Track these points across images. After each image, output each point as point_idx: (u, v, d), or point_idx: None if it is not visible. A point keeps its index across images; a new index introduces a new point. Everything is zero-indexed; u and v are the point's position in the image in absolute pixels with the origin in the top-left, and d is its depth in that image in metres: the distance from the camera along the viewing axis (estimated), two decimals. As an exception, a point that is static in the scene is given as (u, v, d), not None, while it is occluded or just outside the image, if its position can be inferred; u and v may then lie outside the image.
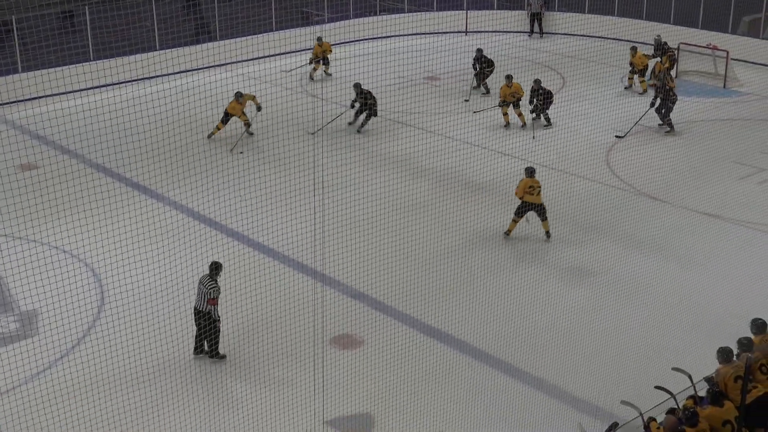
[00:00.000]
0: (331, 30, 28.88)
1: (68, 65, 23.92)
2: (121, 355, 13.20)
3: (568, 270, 16.14)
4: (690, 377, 11.21)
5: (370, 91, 22.52)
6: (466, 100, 25.09)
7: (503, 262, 16.27)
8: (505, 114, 23.16)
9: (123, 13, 28.23)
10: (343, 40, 28.43)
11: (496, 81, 24.85)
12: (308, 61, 27.27)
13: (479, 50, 25.89)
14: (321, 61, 27.17)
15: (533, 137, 22.04)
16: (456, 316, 14.42)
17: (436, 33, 31.01)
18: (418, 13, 32.60)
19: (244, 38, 27.56)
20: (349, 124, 23.18)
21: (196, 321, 13.41)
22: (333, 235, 15.91)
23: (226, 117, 21.71)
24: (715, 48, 27.28)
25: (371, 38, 29.87)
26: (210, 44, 27.24)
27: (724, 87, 26.77)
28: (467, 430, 12.13)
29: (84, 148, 18.79)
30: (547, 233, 17.17)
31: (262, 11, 29.42)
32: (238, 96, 21.54)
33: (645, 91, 25.77)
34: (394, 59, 27.89)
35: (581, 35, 30.69)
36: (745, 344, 11.21)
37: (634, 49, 26.14)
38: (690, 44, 27.52)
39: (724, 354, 11.11)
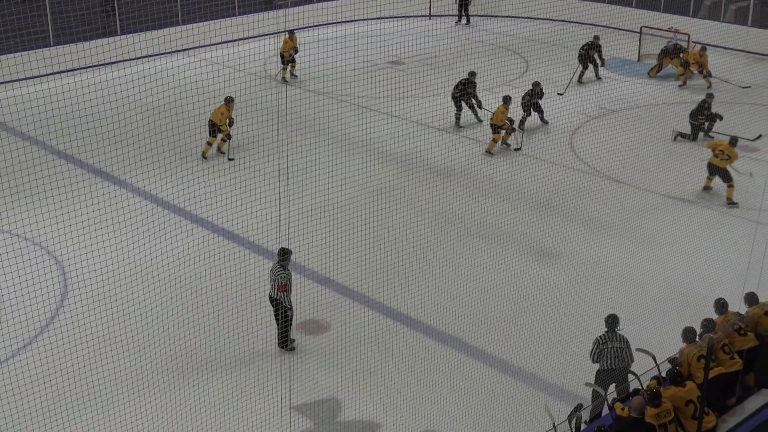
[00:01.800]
0: (295, 14, 28.71)
1: (27, 51, 23.60)
2: (85, 343, 13.09)
3: (534, 253, 16.22)
4: (654, 358, 11.34)
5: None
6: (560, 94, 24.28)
7: (469, 246, 16.32)
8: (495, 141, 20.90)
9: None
10: (307, 25, 28.28)
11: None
12: (283, 62, 25.86)
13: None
14: (290, 61, 25.86)
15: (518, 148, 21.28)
16: (422, 300, 14.44)
17: (400, 17, 30.95)
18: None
19: (207, 23, 27.33)
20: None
21: (273, 309, 13.33)
22: (299, 221, 15.86)
23: (213, 128, 20.17)
24: (676, 31, 27.45)
25: (335, 22, 29.74)
26: (172, 29, 26.98)
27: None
28: (434, 414, 12.17)
29: (44, 134, 18.62)
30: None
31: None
32: (228, 101, 20.25)
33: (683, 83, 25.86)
34: (358, 43, 27.82)
35: (545, 19, 30.79)
36: (707, 325, 11.35)
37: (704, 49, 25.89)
38: (652, 27, 27.68)
39: (687, 334, 11.25)
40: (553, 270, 15.67)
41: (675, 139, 21.31)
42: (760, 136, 20.95)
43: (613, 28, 27.70)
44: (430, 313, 14.20)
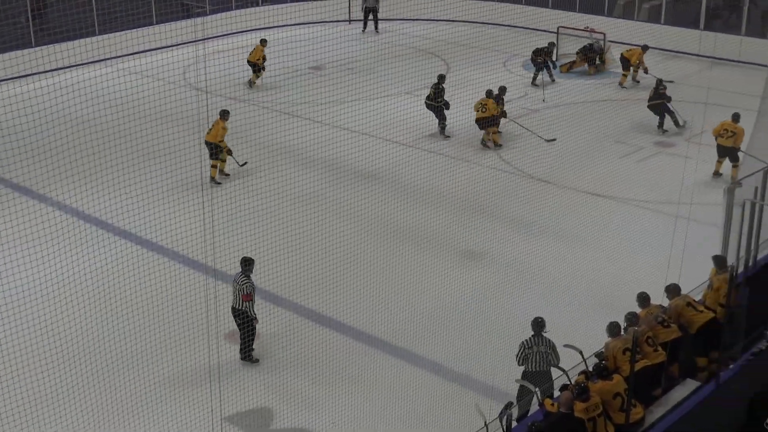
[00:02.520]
0: (213, 22, 28.48)
1: (-61, 65, 23.01)
2: (11, 360, 12.80)
3: (460, 254, 16.34)
4: (581, 353, 11.49)
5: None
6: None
7: (396, 249, 16.37)
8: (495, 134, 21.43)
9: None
10: (225, 32, 28.08)
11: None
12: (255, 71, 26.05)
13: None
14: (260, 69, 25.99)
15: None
16: (350, 304, 14.44)
17: (319, 22, 30.92)
18: (302, 3, 32.43)
19: (124, 32, 26.97)
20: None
21: (235, 321, 13.24)
22: (223, 230, 15.72)
23: (212, 149, 19.72)
24: (592, 31, 27.94)
25: (254, 29, 29.57)
26: (89, 39, 26.55)
27: (603, 68, 27.44)
28: (366, 417, 12.18)
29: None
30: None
31: (142, 4, 28.84)
32: (224, 114, 20.00)
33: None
34: (278, 50, 27.70)
35: (462, 21, 31.04)
36: (631, 319, 11.55)
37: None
38: (568, 27, 28.11)
39: (612, 328, 11.43)
40: (480, 270, 15.80)
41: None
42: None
43: (530, 28, 28.06)
44: (360, 317, 14.21)
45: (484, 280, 15.46)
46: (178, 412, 12.06)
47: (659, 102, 21.98)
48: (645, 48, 25.85)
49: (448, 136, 22.09)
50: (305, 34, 29.94)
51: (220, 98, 23.49)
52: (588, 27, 28.07)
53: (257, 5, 32.39)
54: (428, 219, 17.35)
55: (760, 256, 12.73)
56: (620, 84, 25.97)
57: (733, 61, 27.06)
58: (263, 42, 26.02)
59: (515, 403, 10.96)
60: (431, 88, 22.33)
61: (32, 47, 25.57)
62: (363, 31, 32.17)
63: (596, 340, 11.78)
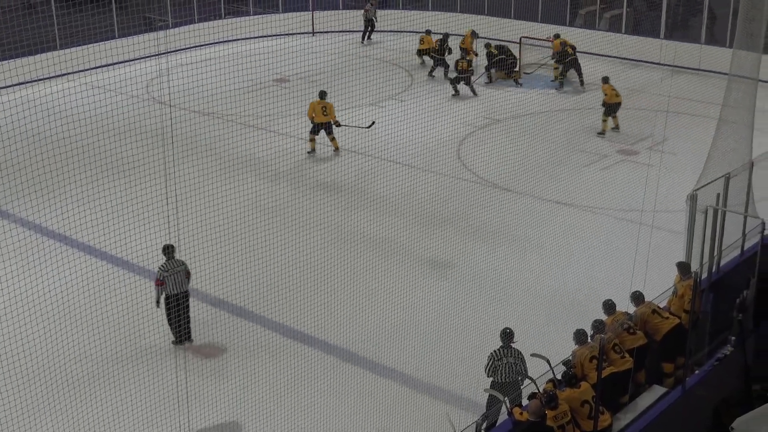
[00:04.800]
0: (176, 35, 28.38)
1: None
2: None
3: (426, 264, 16.36)
4: (548, 361, 11.52)
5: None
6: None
7: (361, 260, 16.35)
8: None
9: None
10: (188, 45, 27.99)
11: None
12: None
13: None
14: None
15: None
16: (318, 317, 14.41)
17: (282, 35, 30.88)
18: (264, 15, 32.43)
19: (86, 46, 26.76)
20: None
21: (176, 308, 13.61)
22: (188, 243, 15.63)
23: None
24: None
25: (217, 42, 29.50)
26: (50, 53, 26.33)
27: (565, 78, 27.62)
28: (335, 430, 12.14)
29: None
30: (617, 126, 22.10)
31: (103, 18, 28.64)
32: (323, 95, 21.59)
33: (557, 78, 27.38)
34: (241, 62, 27.62)
35: (426, 32, 31.16)
36: (597, 326, 11.61)
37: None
38: (531, 38, 28.30)
39: (579, 336, 11.49)
40: (446, 280, 15.84)
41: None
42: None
43: (493, 39, 28.13)
44: (327, 329, 14.18)
45: (450, 289, 15.49)
46: (145, 428, 11.95)
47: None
48: (474, 35, 27.86)
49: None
50: (269, 46, 29.97)
51: (184, 111, 23.36)
52: (550, 37, 28.25)
53: (220, 18, 32.30)
54: (393, 229, 17.36)
55: (723, 262, 12.86)
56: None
57: (694, 69, 27.37)
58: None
59: (484, 414, 10.99)
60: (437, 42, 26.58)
61: (-8, 62, 25.29)
62: (362, 41, 32.32)
63: (563, 348, 11.84)
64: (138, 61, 27.24)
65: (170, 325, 13.83)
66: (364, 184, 19.58)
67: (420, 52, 28.85)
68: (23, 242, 15.92)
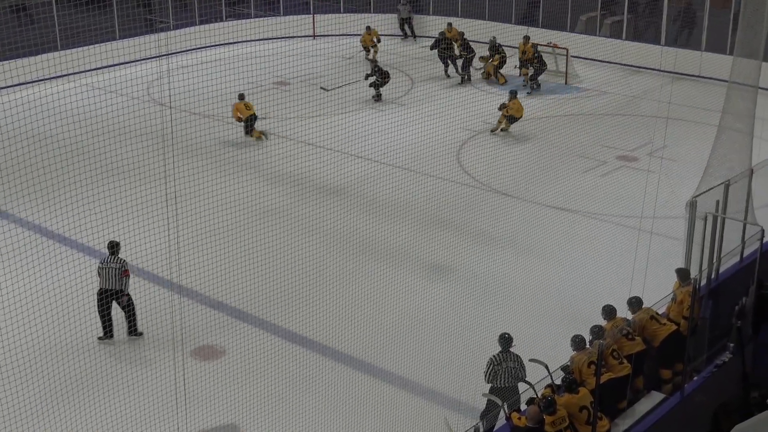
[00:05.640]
0: (177, 37, 28.39)
1: None
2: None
3: (425, 268, 16.37)
4: (546, 367, 11.53)
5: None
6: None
7: (361, 264, 16.37)
8: None
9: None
10: (189, 48, 28.01)
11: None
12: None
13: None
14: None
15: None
16: (316, 320, 14.42)
17: (283, 38, 30.92)
18: (265, 18, 32.45)
19: (87, 47, 26.78)
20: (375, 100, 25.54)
21: (105, 304, 13.90)
22: (188, 246, 15.63)
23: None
24: (555, 46, 28.19)
25: (218, 44, 29.52)
26: (51, 54, 26.34)
27: (566, 83, 27.72)
28: (334, 434, 12.16)
29: None
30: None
31: (105, 19, 28.68)
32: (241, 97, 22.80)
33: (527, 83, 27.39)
34: (242, 65, 27.65)
35: (427, 36, 31.19)
36: (596, 332, 11.62)
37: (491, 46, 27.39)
38: (532, 43, 28.29)
39: (576, 342, 11.50)
40: (445, 284, 15.84)
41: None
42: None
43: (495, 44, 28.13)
44: (326, 333, 14.18)
45: (449, 293, 15.49)
46: (142, 429, 11.94)
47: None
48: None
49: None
50: (270, 49, 29.99)
51: (184, 113, 23.36)
52: (551, 43, 28.31)
53: (221, 20, 32.32)
54: (393, 233, 17.37)
55: (722, 269, 12.87)
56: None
57: (694, 76, 27.39)
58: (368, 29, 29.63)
59: (481, 419, 10.98)
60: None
61: (-7, 62, 25.30)
62: (403, 39, 33.04)
63: (561, 353, 11.85)
64: (139, 62, 27.26)
65: (100, 318, 14.11)
66: (364, 187, 19.58)
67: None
68: (22, 243, 15.92)
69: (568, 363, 11.35)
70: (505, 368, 11.69)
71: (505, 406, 10.90)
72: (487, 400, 11.66)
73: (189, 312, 14.50)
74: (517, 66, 27.42)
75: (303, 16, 32.77)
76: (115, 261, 14.03)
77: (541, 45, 28.15)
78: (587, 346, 11.43)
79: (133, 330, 14.11)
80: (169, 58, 26.77)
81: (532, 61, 27.06)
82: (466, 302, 15.15)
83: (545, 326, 14.34)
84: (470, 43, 27.84)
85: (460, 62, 27.91)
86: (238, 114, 22.89)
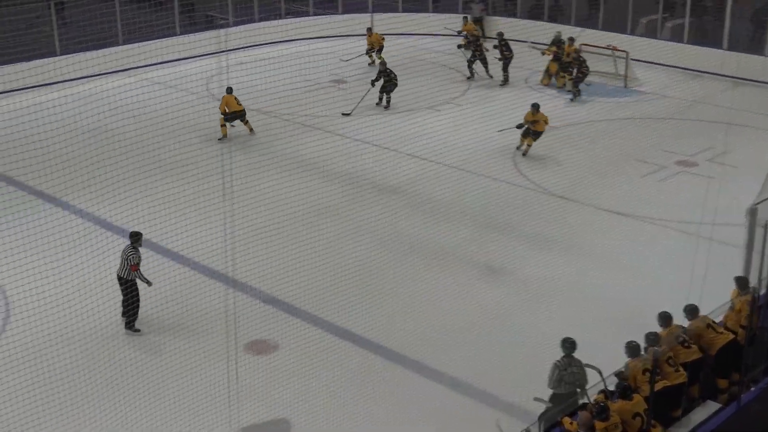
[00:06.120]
0: (237, 34, 28.62)
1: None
2: (28, 367, 12.87)
3: (480, 270, 16.30)
4: (600, 372, 11.43)
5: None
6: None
7: (413, 264, 16.36)
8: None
9: (21, 18, 27.52)
10: (248, 44, 28.21)
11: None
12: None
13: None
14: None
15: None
16: (370, 318, 14.44)
17: (341, 36, 30.99)
18: (324, 17, 32.57)
19: (148, 43, 27.11)
20: (377, 104, 24.99)
21: (120, 289, 14.20)
22: (244, 241, 15.76)
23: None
24: (615, 49, 27.91)
25: (277, 42, 29.70)
26: (113, 49, 26.74)
27: (625, 87, 27.43)
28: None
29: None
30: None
31: (166, 15, 29.02)
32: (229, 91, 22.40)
33: (563, 86, 26.82)
34: (300, 62, 27.80)
35: (487, 37, 31.08)
36: (652, 339, 11.48)
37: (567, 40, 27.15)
38: (591, 45, 28.09)
39: (631, 349, 11.37)
40: (499, 287, 15.77)
41: None
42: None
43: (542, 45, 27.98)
44: (379, 331, 14.20)
45: (503, 296, 15.42)
46: (195, 421, 12.06)
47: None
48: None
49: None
50: (328, 47, 30.14)
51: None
52: (610, 45, 28.04)
53: (280, 18, 32.50)
54: (447, 233, 17.34)
55: (782, 278, 12.66)
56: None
57: (757, 81, 26.95)
58: (369, 31, 29.28)
59: (539, 420, 10.90)
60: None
61: (56, 56, 25.74)
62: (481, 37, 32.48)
63: (614, 360, 11.72)
64: (198, 58, 27.53)
65: (134, 307, 14.22)
66: (420, 187, 19.59)
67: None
68: (83, 233, 16.18)
69: (622, 369, 11.24)
70: (569, 373, 11.43)
71: (556, 410, 10.80)
72: (551, 399, 11.47)
73: (243, 306, 14.63)
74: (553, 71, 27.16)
75: (361, 14, 32.83)
76: (130, 250, 14.15)
77: (600, 47, 27.90)
78: (642, 352, 11.30)
79: (131, 325, 14.21)
80: (228, 54, 27.04)
81: (573, 64, 26.49)
82: (520, 305, 15.07)
83: (599, 331, 14.20)
84: (509, 43, 27.60)
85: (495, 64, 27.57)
86: (225, 107, 22.70)
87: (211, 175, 17.95)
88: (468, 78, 27.77)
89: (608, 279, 15.95)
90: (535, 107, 21.50)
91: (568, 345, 11.62)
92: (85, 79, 23.38)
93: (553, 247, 17.11)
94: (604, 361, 11.57)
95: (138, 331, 14.19)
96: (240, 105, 22.69)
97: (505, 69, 27.47)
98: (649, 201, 19.16)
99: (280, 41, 29.60)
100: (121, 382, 12.84)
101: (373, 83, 24.90)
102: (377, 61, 28.36)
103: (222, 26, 30.60)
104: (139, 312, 14.26)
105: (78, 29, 27.05)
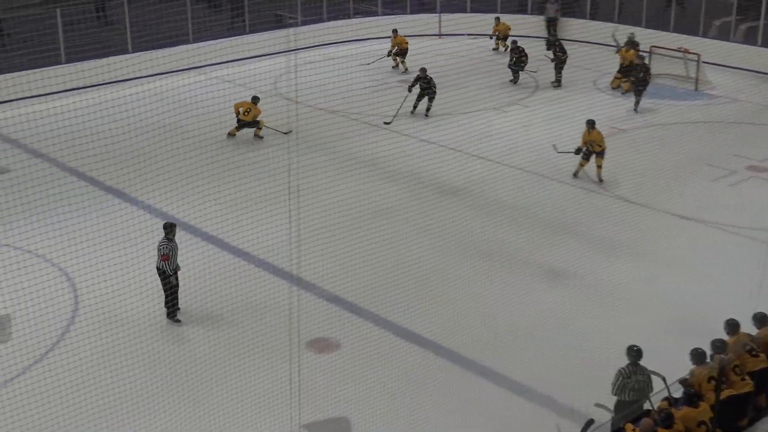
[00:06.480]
0: (305, 33, 28.84)
1: (41, 68, 23.75)
2: (95, 359, 13.12)
3: (544, 273, 16.19)
4: (664, 379, 11.30)
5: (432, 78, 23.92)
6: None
7: (478, 265, 16.30)
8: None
9: (95, 15, 28.07)
10: (316, 44, 28.40)
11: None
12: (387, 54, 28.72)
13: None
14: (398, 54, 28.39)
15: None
16: (432, 319, 14.44)
17: (410, 36, 31.02)
18: (392, 17, 32.63)
19: (218, 41, 27.46)
20: (411, 113, 24.16)
21: (160, 280, 14.41)
22: (308, 239, 15.87)
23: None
24: (686, 51, 27.50)
25: (345, 41, 29.86)
26: (184, 47, 27.10)
27: (696, 90, 27.00)
28: (444, 433, 12.16)
29: (56, 151, 18.65)
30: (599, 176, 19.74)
31: (236, 14, 29.34)
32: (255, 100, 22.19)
33: (627, 90, 26.10)
34: (367, 62, 27.89)
35: (563, 39, 30.85)
36: (718, 346, 11.31)
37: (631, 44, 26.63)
38: (662, 47, 27.72)
39: (697, 356, 11.21)
40: (563, 290, 15.64)
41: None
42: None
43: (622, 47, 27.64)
44: (441, 332, 14.18)
45: (567, 300, 15.29)
46: (256, 417, 12.18)
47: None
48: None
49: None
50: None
51: (309, 109, 23.74)
52: (682, 47, 27.63)
53: (348, 17, 32.65)
54: (512, 235, 17.25)
55: None
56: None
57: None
58: (394, 32, 28.38)
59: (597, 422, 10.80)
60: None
61: (129, 53, 26.19)
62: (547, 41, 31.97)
63: (678, 366, 11.56)
64: (267, 57, 27.78)
65: (173, 298, 14.37)
66: (485, 188, 19.51)
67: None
68: (150, 229, 16.43)
69: (687, 376, 11.08)
70: (634, 381, 11.16)
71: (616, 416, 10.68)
72: (615, 406, 11.33)
73: (306, 304, 14.72)
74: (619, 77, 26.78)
75: (429, 15, 32.83)
76: (163, 242, 14.26)
77: (671, 49, 27.51)
78: (708, 360, 11.13)
79: (172, 315, 14.39)
80: (297, 53, 27.23)
81: (634, 71, 25.48)
82: (584, 309, 14.93)
83: (664, 337, 14.01)
84: (563, 43, 27.31)
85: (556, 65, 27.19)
86: (251, 114, 22.33)
87: (278, 173, 18.09)
88: (511, 81, 27.44)
89: (675, 284, 15.72)
90: (590, 125, 19.85)
91: (634, 353, 11.35)
92: (156, 77, 23.73)
93: (621, 252, 16.92)
94: (669, 368, 11.43)
95: (179, 321, 14.37)
96: (251, 118, 22.32)
97: (558, 71, 27.10)
98: (719, 206, 18.84)
99: (349, 41, 29.77)
100: (184, 378, 13.00)
101: (410, 89, 24.19)
102: (401, 65, 28.47)
103: (291, 25, 30.83)
104: (205, 309, 14.43)
105: (149, 27, 27.49)
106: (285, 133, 21.84)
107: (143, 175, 18.12)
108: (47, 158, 19.99)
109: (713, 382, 10.57)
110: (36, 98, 21.28)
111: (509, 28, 30.45)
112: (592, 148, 19.85)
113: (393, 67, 28.96)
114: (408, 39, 28.74)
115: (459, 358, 13.68)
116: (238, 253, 16.53)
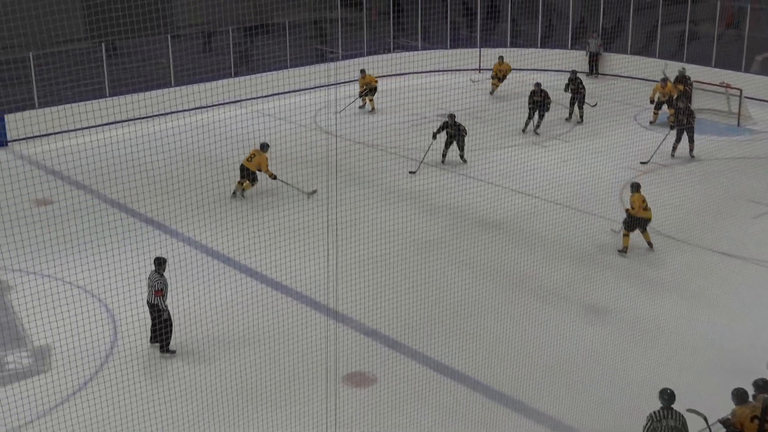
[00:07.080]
0: (346, 67, 29.05)
1: (84, 101, 24.11)
2: (134, 391, 13.18)
3: (583, 309, 16.06)
4: (705, 419, 11.12)
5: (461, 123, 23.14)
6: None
7: (516, 301, 16.21)
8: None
9: (138, 50, 28.50)
10: (356, 77, 28.59)
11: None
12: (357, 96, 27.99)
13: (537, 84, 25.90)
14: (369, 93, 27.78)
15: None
16: (469, 354, 14.36)
17: (449, 70, 31.18)
18: (432, 51, 32.80)
19: (259, 75, 27.75)
20: (442, 162, 23.25)
21: (150, 313, 14.39)
22: (346, 273, 15.89)
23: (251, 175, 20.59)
24: (728, 86, 27.32)
25: (385, 75, 30.02)
26: (225, 81, 27.44)
27: (738, 125, 26.77)
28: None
29: (98, 183, 18.91)
30: (650, 243, 18.18)
31: (277, 48, 29.66)
32: (264, 147, 20.56)
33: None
34: (407, 96, 28.00)
35: (599, 74, 30.84)
36: (761, 385, 11.13)
37: (664, 81, 26.35)
38: (704, 83, 27.57)
39: (738, 395, 11.03)
40: (602, 326, 15.49)
41: None
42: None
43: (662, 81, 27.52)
44: (478, 367, 14.10)
45: (606, 336, 15.14)
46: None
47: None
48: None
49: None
50: (435, 81, 30.30)
51: (348, 142, 23.85)
52: (724, 82, 27.47)
53: (389, 52, 32.85)
54: (550, 271, 17.14)
55: None
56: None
57: None
58: (362, 72, 27.27)
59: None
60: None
61: (171, 87, 26.54)
62: (589, 74, 32.05)
63: (720, 406, 11.39)
64: (307, 90, 28.02)
65: (167, 331, 14.32)
66: (523, 222, 19.45)
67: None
68: (190, 260, 16.56)
69: (729, 416, 10.91)
70: (665, 426, 10.85)
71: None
72: None
73: (343, 338, 14.71)
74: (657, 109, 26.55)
75: (469, 49, 32.95)
76: (155, 277, 14.18)
77: (713, 84, 27.34)
78: (749, 399, 10.95)
79: (164, 348, 14.33)
80: (337, 87, 27.42)
81: (679, 113, 23.94)
82: (623, 346, 14.77)
83: (704, 376, 13.82)
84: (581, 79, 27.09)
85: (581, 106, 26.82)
86: (255, 161, 20.45)
87: (318, 206, 18.17)
88: (579, 122, 27.09)
89: (715, 322, 15.52)
90: (634, 188, 18.17)
91: (666, 397, 11.06)
92: (198, 110, 24.00)
93: (660, 288, 16.75)
94: (709, 407, 11.26)
95: (173, 352, 14.35)
96: (249, 162, 20.51)
97: (580, 106, 26.94)
98: (761, 243, 18.60)
99: (388, 75, 29.92)
100: (221, 410, 13.03)
101: (434, 136, 22.95)
102: (368, 105, 27.91)
103: (332, 60, 31.09)
104: (243, 341, 14.46)
105: (192, 61, 27.85)
106: (309, 194, 20.67)
107: (182, 208, 18.27)
108: (88, 190, 20.23)
109: (756, 422, 10.40)
110: (79, 131, 21.59)
111: (510, 69, 30.04)
112: (637, 214, 17.99)
113: (360, 107, 28.20)
114: (377, 78, 27.93)
115: (497, 395, 13.57)
116: (276, 286, 16.58)
